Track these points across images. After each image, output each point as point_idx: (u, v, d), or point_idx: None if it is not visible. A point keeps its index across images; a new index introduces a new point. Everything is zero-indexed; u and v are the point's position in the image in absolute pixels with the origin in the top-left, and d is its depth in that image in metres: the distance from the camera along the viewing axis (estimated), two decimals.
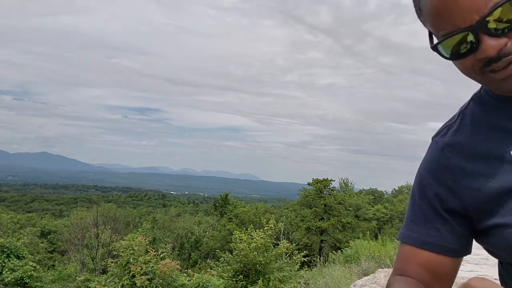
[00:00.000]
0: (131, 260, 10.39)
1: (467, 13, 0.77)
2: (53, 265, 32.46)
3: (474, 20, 0.77)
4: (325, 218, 35.68)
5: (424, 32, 0.90)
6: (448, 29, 0.81)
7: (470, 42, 0.80)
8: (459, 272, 1.02)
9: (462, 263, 1.04)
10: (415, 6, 0.88)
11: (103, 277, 13.26)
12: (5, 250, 18.00)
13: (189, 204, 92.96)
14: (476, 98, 0.98)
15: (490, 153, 0.90)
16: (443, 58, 0.86)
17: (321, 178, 37.27)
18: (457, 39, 0.80)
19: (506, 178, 0.87)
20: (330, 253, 11.44)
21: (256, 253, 12.99)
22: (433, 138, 1.02)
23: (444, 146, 0.97)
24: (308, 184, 37.62)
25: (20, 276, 17.41)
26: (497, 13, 0.76)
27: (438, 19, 0.82)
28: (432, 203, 0.97)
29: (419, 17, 0.88)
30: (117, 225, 35.22)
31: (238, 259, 13.22)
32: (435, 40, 0.86)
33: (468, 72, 0.85)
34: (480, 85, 0.96)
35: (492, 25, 0.77)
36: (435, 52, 0.86)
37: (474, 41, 0.79)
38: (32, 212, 64.25)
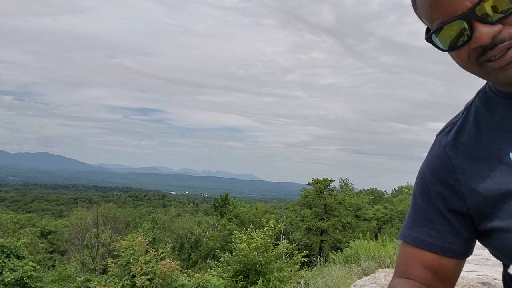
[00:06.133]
0: (131, 260, 10.39)
1: (459, 0, 0.77)
2: (53, 265, 32.46)
3: (466, 8, 0.77)
4: (325, 218, 35.68)
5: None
6: (441, 18, 0.81)
7: (466, 34, 0.79)
8: None
9: None
10: (411, 1, 0.88)
11: (103, 277, 13.24)
12: (5, 250, 17.99)
13: (189, 204, 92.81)
14: (481, 94, 0.96)
15: (491, 154, 0.88)
16: (439, 50, 0.85)
17: (321, 178, 37.30)
18: (453, 29, 0.80)
19: (505, 181, 0.85)
20: (330, 253, 11.41)
21: (256, 253, 12.98)
22: (437, 135, 1.01)
23: (447, 144, 0.96)
24: (308, 184, 37.63)
25: (20, 276, 17.39)
26: (490, 0, 0.76)
27: (431, 9, 0.82)
28: (434, 203, 0.95)
29: (415, 11, 0.88)
30: (117, 225, 35.26)
31: (238, 259, 13.21)
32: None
33: (465, 64, 0.84)
34: (485, 81, 0.95)
35: (485, 12, 0.77)
36: (432, 45, 0.85)
37: (468, 29, 0.79)
38: (32, 212, 64.25)
